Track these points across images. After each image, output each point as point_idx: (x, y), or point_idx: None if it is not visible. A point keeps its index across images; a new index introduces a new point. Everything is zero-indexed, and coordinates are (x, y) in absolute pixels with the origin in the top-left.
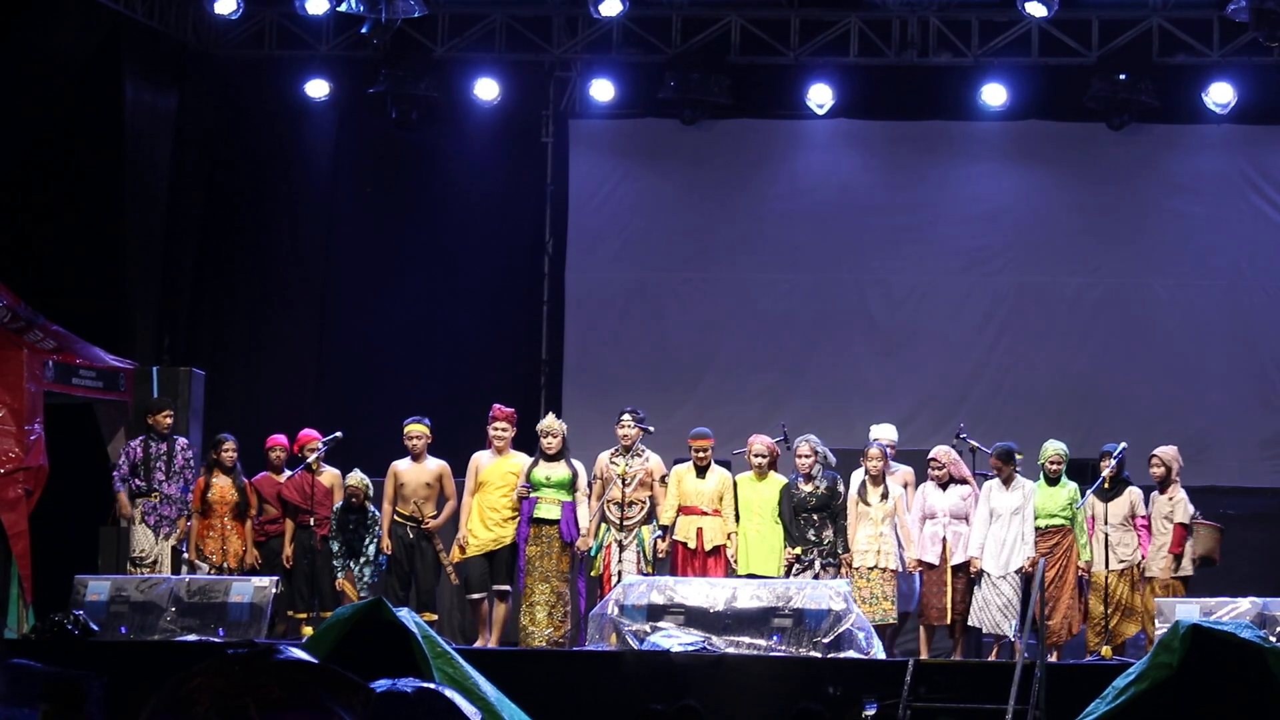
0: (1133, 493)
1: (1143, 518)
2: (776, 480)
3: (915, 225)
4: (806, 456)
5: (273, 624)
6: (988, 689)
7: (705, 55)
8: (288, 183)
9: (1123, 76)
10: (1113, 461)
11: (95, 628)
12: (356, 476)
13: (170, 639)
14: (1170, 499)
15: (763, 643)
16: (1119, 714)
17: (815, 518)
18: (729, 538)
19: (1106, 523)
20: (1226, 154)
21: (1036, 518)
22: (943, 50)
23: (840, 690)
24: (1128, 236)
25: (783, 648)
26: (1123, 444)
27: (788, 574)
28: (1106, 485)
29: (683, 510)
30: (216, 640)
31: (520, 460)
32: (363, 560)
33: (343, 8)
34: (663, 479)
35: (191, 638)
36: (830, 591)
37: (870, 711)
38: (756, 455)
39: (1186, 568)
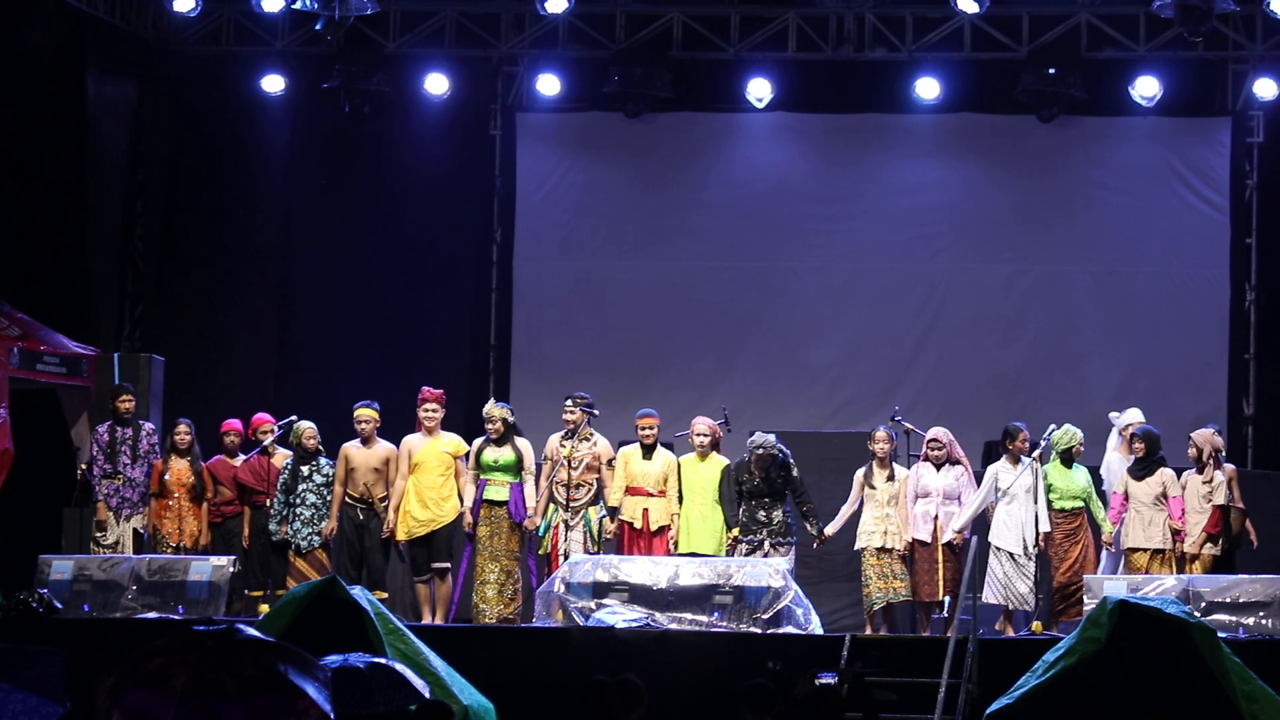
0: (1164, 473)
1: (1175, 499)
2: (718, 461)
3: (852, 215)
4: (764, 461)
5: (230, 602)
6: (922, 663)
7: (648, 50)
8: (245, 175)
9: (1052, 70)
10: (1042, 445)
11: (59, 605)
12: (305, 424)
13: (131, 616)
14: (1208, 481)
15: (704, 619)
16: (1049, 686)
17: (766, 500)
18: (671, 517)
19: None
20: (1152, 145)
21: (1058, 499)
22: (878, 45)
23: (780, 665)
24: (1057, 225)
25: (724, 624)
26: (1052, 426)
27: (730, 554)
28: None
29: (629, 491)
30: (176, 618)
31: (452, 439)
32: (297, 521)
33: (298, 5)
34: (609, 463)
35: (152, 615)
36: (770, 569)
37: (827, 680)
38: (699, 436)
39: (1217, 549)
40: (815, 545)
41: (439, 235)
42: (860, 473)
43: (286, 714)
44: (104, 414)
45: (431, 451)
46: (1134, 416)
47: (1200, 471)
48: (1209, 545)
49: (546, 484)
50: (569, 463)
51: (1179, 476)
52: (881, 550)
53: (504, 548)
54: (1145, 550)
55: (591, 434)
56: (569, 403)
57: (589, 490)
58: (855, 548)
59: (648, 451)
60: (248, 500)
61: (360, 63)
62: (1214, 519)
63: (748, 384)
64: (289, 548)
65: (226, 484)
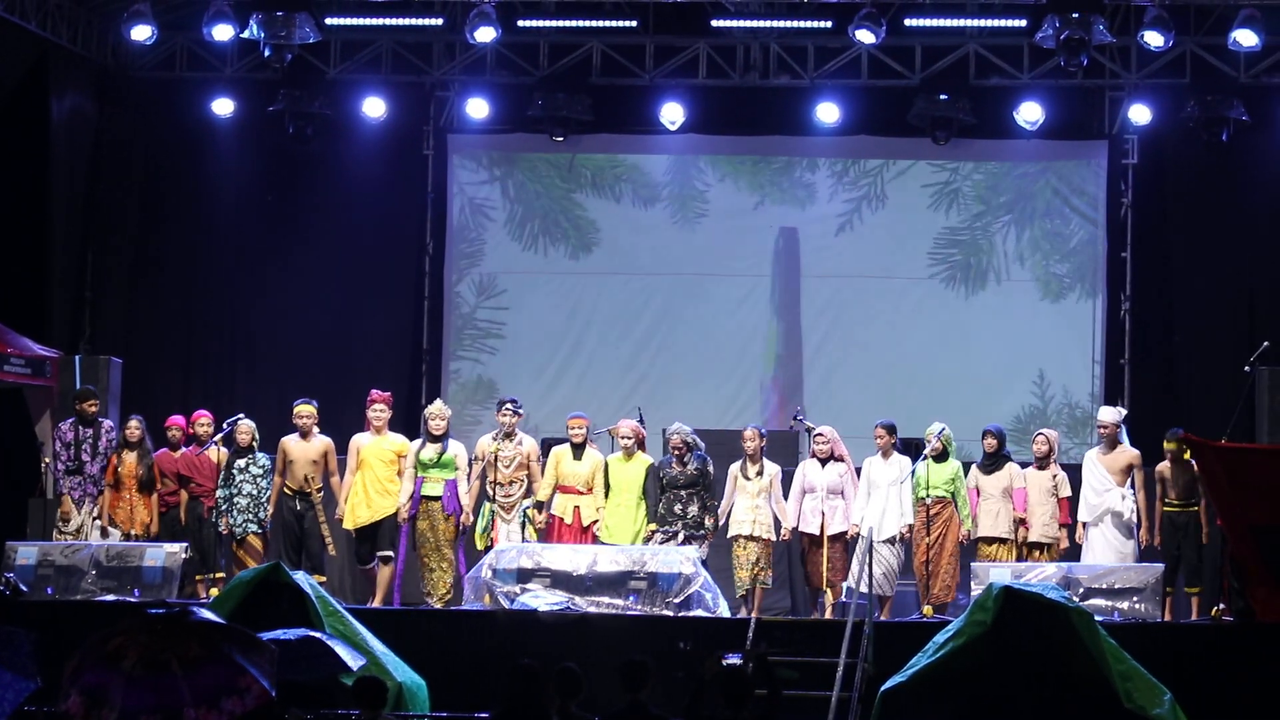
0: (1011, 467)
1: (1020, 490)
2: (642, 460)
3: (756, 228)
4: (679, 447)
5: (182, 586)
6: (822, 643)
7: (569, 77)
8: (198, 190)
9: (943, 96)
10: (934, 440)
11: (25, 588)
12: (245, 422)
13: (91, 599)
14: (1053, 476)
15: (621, 603)
16: (939, 665)
17: (684, 494)
18: (597, 511)
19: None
20: (1035, 166)
21: (924, 489)
22: (782, 73)
23: (690, 645)
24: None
25: (639, 607)
26: (943, 426)
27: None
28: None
29: (560, 489)
30: (133, 600)
31: (397, 439)
32: (234, 510)
33: (246, 34)
34: (538, 459)
35: (110, 598)
36: (681, 556)
37: (733, 660)
38: (624, 438)
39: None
40: (708, 536)
41: (376, 247)
42: (735, 467)
43: (229, 690)
44: (67, 412)
45: (377, 450)
46: (1106, 416)
47: (1044, 468)
48: (1063, 533)
49: (478, 482)
50: (498, 461)
51: (1022, 470)
52: (750, 539)
53: (442, 537)
54: (993, 540)
55: (518, 434)
56: (507, 407)
57: (521, 486)
58: (728, 535)
59: (577, 451)
60: (184, 487)
61: (303, 87)
62: (1067, 509)
63: (663, 385)
64: (233, 538)
65: (170, 476)
